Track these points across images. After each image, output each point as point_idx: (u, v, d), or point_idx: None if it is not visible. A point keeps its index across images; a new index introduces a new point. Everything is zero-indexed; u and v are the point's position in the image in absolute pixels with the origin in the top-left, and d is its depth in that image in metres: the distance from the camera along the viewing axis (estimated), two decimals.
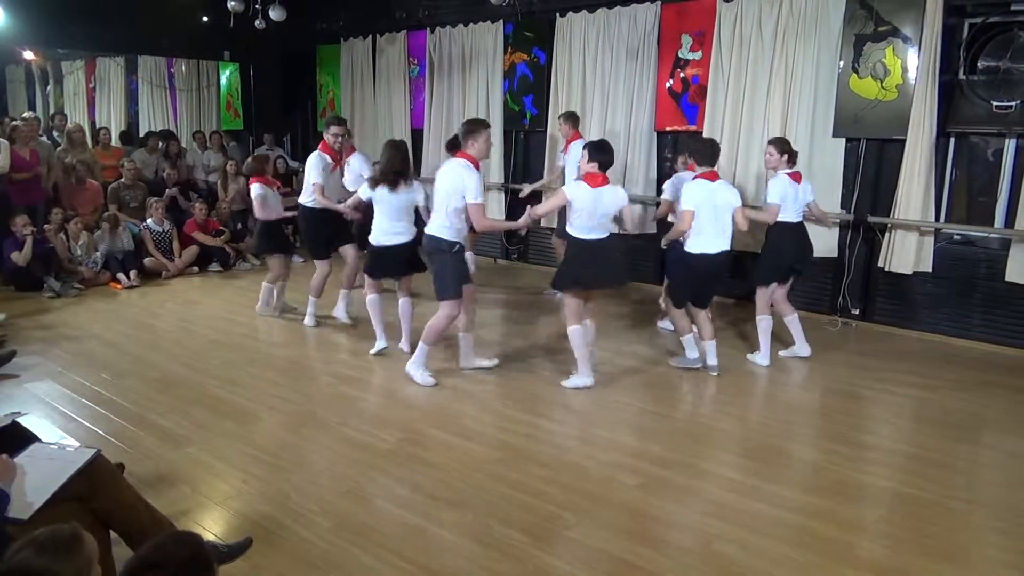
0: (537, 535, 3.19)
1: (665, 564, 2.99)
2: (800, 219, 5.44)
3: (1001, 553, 3.15)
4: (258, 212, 6.41)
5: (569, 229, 4.81)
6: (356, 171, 6.46)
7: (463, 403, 4.72)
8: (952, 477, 3.84)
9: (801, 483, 3.75)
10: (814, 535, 3.23)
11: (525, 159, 8.91)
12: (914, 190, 6.07)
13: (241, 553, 2.90)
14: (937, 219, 6.20)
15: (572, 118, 7.22)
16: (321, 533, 3.18)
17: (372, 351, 5.56)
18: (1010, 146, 5.93)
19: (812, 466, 3.97)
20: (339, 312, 6.43)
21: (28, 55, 11.68)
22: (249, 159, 7.65)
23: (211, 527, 3.21)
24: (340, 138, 6.11)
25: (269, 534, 3.14)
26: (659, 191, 7.49)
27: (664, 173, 7.64)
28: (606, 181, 4.71)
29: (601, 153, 4.75)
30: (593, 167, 4.72)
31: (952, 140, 6.20)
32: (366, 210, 5.71)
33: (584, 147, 4.86)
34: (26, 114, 8.33)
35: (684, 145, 6.79)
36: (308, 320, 6.34)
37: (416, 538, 3.16)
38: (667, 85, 7.44)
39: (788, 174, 5.31)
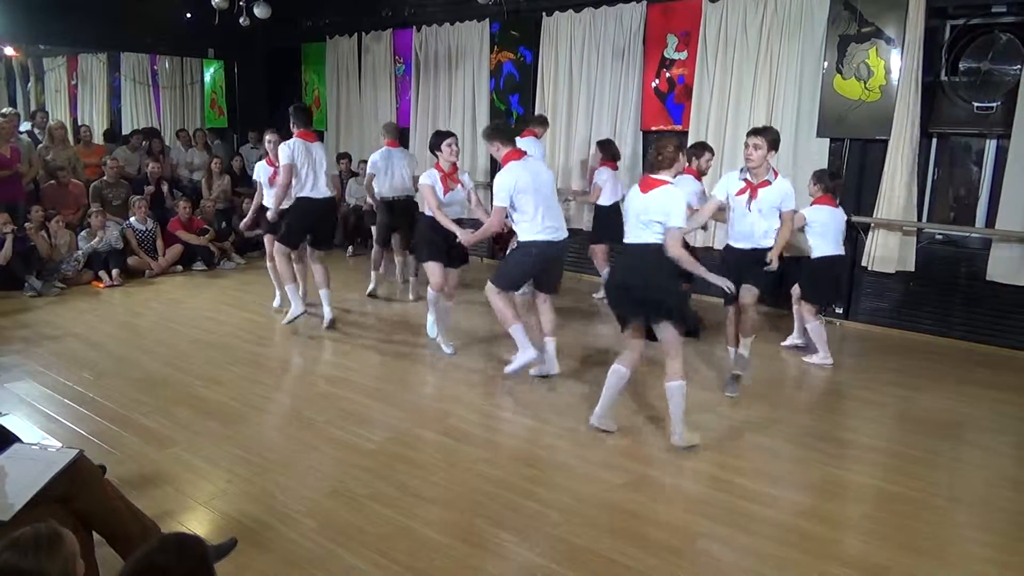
0: (523, 534, 3.19)
1: (651, 562, 3.00)
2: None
3: (982, 549, 3.19)
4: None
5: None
6: None
7: (449, 402, 4.71)
8: (934, 474, 3.88)
9: (786, 481, 3.78)
10: (799, 532, 3.26)
11: None
12: (897, 190, 6.13)
13: (226, 554, 2.89)
14: (919, 219, 6.27)
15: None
16: (306, 533, 3.16)
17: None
18: (991, 147, 6.01)
19: (796, 464, 4.00)
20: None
21: (8, 51, 11.55)
22: None
23: (195, 528, 3.19)
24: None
25: (254, 534, 3.12)
26: None
27: None
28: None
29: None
30: None
31: (934, 140, 6.27)
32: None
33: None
34: (5, 110, 8.23)
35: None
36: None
37: (402, 537, 3.15)
38: (653, 85, 7.46)
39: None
